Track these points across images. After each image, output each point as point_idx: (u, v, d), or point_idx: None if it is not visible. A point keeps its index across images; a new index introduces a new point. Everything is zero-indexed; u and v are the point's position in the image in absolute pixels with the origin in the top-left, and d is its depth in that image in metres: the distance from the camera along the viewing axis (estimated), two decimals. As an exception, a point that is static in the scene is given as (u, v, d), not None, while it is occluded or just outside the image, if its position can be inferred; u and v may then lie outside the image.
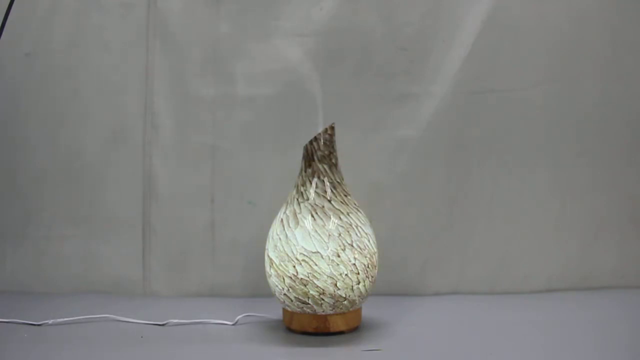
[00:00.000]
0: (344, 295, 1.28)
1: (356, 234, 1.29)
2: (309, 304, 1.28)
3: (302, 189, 1.32)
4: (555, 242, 1.58)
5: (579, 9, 1.55)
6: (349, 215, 1.30)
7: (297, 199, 1.31)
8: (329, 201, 1.30)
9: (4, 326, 1.35)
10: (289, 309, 1.32)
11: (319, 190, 1.31)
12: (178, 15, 1.54)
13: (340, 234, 1.28)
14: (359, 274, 1.28)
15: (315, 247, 1.27)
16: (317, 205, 1.30)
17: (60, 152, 1.56)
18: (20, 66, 1.55)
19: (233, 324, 1.37)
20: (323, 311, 1.29)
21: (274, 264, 1.30)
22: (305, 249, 1.27)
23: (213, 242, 1.56)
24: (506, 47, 1.55)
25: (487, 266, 1.57)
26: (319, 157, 1.32)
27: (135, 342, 1.28)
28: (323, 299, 1.28)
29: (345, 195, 1.32)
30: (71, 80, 1.55)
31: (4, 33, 1.26)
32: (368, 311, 1.39)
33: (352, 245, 1.28)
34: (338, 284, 1.27)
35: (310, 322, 1.30)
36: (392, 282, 1.55)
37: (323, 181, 1.31)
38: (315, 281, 1.26)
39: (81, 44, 1.55)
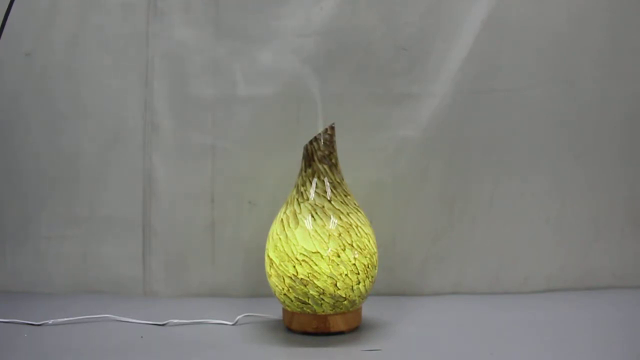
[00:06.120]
0: (344, 295, 1.28)
1: (356, 234, 1.29)
2: (309, 304, 1.28)
3: (302, 189, 1.32)
4: (555, 242, 1.58)
5: (579, 9, 1.55)
6: (349, 215, 1.30)
7: (297, 199, 1.31)
8: (329, 201, 1.30)
9: (4, 326, 1.35)
10: (289, 309, 1.32)
11: (319, 190, 1.31)
12: (178, 15, 1.54)
13: (340, 234, 1.28)
14: (359, 274, 1.28)
15: (315, 247, 1.27)
16: (317, 205, 1.29)
17: (60, 152, 1.56)
18: (20, 66, 1.55)
19: (233, 324, 1.37)
20: (323, 311, 1.29)
21: (274, 264, 1.30)
22: (305, 249, 1.27)
23: (213, 242, 1.56)
24: (506, 47, 1.55)
25: (487, 266, 1.57)
26: (319, 157, 1.32)
27: (135, 342, 1.28)
28: (323, 299, 1.28)
29: (345, 195, 1.32)
30: (71, 80, 1.55)
31: (4, 33, 1.26)
32: (368, 311, 1.39)
33: (352, 245, 1.28)
34: (338, 284, 1.27)
35: (310, 322, 1.30)
36: (392, 282, 1.55)
37: (323, 181, 1.31)
38: (315, 281, 1.26)
39: (81, 44, 1.55)
